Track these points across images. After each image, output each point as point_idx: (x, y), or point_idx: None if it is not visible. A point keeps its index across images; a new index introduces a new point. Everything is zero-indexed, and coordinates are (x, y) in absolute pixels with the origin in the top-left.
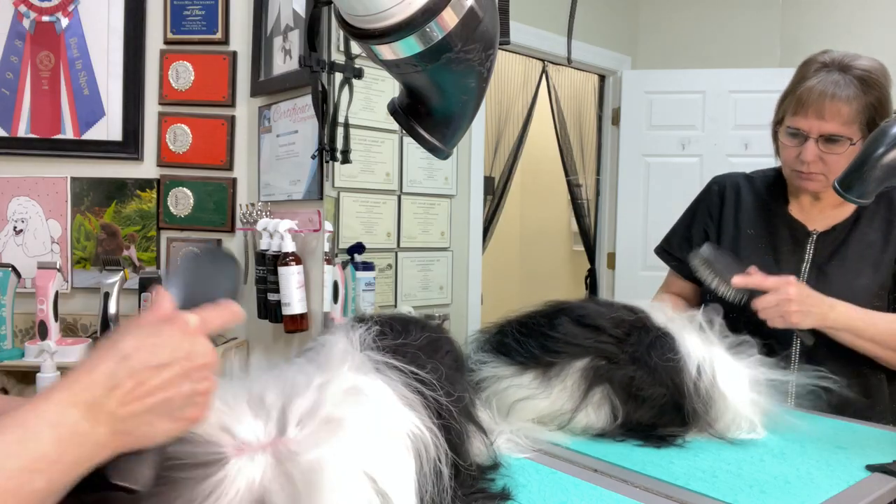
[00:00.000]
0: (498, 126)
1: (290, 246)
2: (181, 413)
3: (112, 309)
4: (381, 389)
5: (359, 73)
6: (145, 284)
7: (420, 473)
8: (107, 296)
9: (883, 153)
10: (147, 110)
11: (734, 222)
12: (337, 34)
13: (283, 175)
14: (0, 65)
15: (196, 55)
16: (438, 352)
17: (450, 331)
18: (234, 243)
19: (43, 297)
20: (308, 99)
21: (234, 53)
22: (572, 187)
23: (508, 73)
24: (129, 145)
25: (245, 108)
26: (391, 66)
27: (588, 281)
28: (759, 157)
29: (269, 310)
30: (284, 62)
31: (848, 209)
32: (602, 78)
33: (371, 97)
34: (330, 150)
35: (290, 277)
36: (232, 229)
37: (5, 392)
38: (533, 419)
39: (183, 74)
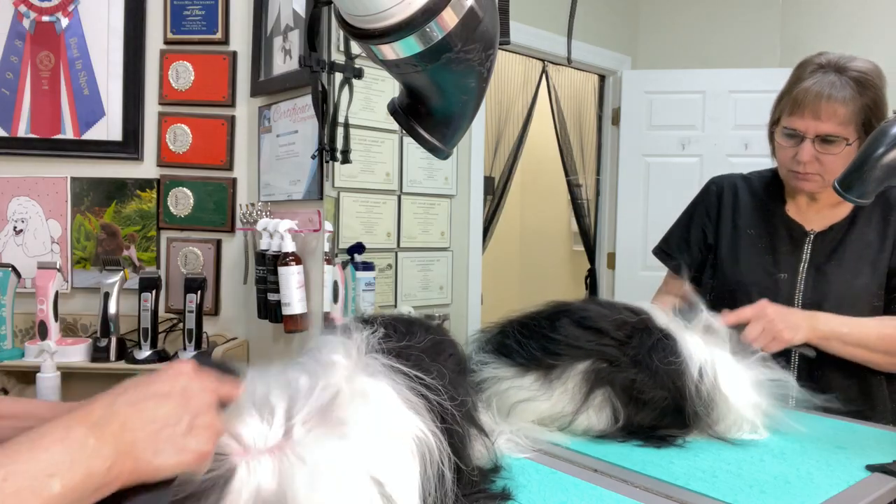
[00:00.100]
0: (498, 126)
1: (290, 246)
2: (185, 444)
3: (112, 309)
4: (386, 393)
5: (359, 73)
6: (145, 284)
7: (424, 477)
8: (107, 296)
9: (883, 153)
10: (147, 110)
11: (732, 223)
12: (337, 34)
13: (283, 175)
14: (0, 65)
15: (196, 55)
16: (442, 354)
17: (450, 331)
18: (234, 243)
19: (43, 297)
20: (308, 99)
21: (234, 53)
22: (572, 187)
23: (508, 73)
24: (129, 145)
25: (245, 108)
26: (391, 66)
27: (588, 281)
28: (759, 157)
29: (269, 310)
30: (284, 62)
31: (844, 209)
32: (602, 78)
33: (371, 97)
34: (330, 150)
35: (290, 277)
36: (232, 229)
37: (5, 392)
38: (533, 420)
39: (183, 74)
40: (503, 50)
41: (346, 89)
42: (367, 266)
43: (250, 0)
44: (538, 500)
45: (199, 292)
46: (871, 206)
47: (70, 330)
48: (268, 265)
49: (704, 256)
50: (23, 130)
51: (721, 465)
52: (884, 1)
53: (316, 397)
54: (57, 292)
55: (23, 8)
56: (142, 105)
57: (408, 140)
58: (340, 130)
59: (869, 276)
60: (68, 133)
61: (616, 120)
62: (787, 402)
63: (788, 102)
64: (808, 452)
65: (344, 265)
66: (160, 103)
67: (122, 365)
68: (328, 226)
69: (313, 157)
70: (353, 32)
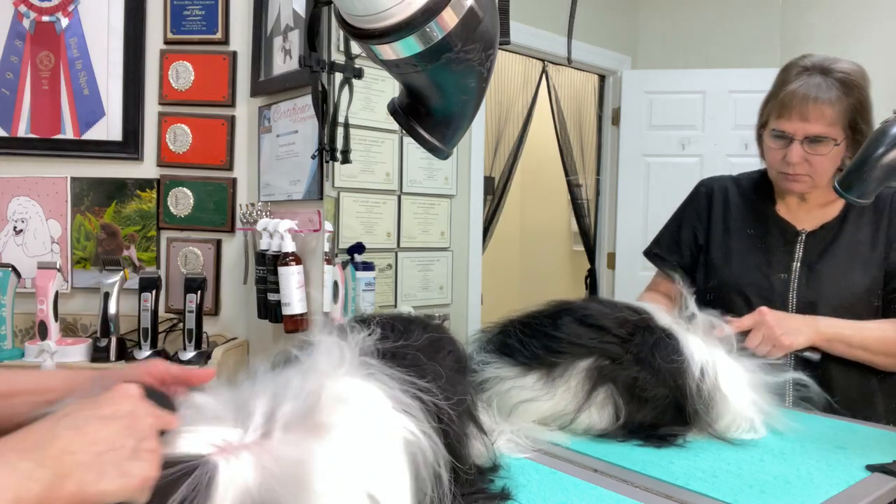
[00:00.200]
0: (498, 126)
1: (290, 246)
2: (130, 468)
3: (112, 309)
4: (374, 395)
5: (359, 73)
6: (145, 284)
7: (418, 478)
8: (107, 296)
9: (883, 153)
10: (147, 110)
11: (723, 223)
12: (337, 34)
13: (283, 175)
14: (0, 65)
15: (196, 55)
16: (440, 352)
17: (451, 330)
18: (234, 243)
19: (43, 297)
20: (308, 99)
21: (234, 53)
22: (572, 187)
23: (508, 73)
24: (129, 145)
25: (245, 108)
26: (391, 66)
27: (588, 281)
28: (759, 157)
29: (269, 310)
30: (284, 62)
31: (835, 209)
32: (602, 78)
33: (371, 97)
34: (330, 150)
35: (290, 277)
36: (232, 229)
37: None
38: (536, 420)
39: (183, 74)
40: (503, 50)
41: (346, 89)
42: (367, 266)
43: (250, 0)
44: (538, 500)
45: (199, 292)
46: (861, 207)
47: (70, 330)
48: (268, 265)
49: (696, 257)
50: (23, 130)
51: (721, 465)
52: (883, 1)
53: (301, 401)
54: (57, 292)
55: (23, 8)
56: (142, 105)
57: (408, 140)
58: (340, 130)
59: (861, 275)
60: (68, 133)
61: (616, 120)
62: (785, 400)
63: (776, 105)
64: (808, 452)
65: (344, 265)
66: (160, 103)
67: (122, 365)
68: (328, 226)
69: (313, 157)
70: (353, 32)
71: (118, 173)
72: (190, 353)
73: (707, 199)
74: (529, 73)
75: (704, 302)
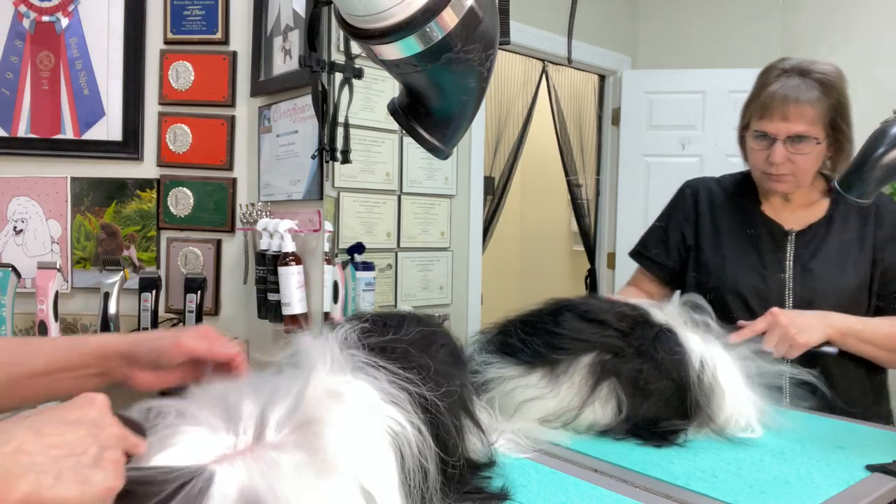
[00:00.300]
0: (498, 126)
1: (290, 246)
2: (91, 476)
3: (112, 309)
4: (360, 388)
5: (359, 73)
6: (145, 284)
7: (404, 469)
8: (107, 296)
9: (883, 153)
10: (147, 110)
11: (712, 224)
12: (337, 34)
13: (283, 175)
14: (0, 65)
15: (196, 55)
16: (432, 346)
17: (449, 328)
18: (234, 243)
19: (43, 297)
20: (308, 99)
21: (234, 53)
22: (572, 187)
23: (508, 73)
24: (129, 145)
25: (245, 108)
26: (391, 66)
27: (588, 281)
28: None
29: (269, 310)
30: (284, 62)
31: (819, 210)
32: (602, 78)
33: (371, 97)
34: (330, 150)
35: (290, 277)
36: (232, 229)
37: None
38: (540, 418)
39: (183, 74)
40: (503, 50)
41: (346, 89)
42: (367, 266)
43: (250, 0)
44: (538, 500)
45: (199, 292)
46: (845, 208)
47: (70, 330)
48: (268, 265)
49: (684, 259)
50: (23, 130)
51: (721, 465)
52: (883, 1)
53: (289, 400)
54: (57, 292)
55: (23, 8)
56: (142, 105)
57: (408, 140)
58: (340, 130)
59: (853, 274)
60: (68, 133)
61: (616, 120)
62: (782, 395)
63: (757, 107)
64: (808, 452)
65: (344, 265)
66: (160, 103)
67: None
68: (328, 226)
69: (313, 157)
70: (353, 32)
71: (118, 173)
72: None
73: (693, 200)
74: (529, 73)
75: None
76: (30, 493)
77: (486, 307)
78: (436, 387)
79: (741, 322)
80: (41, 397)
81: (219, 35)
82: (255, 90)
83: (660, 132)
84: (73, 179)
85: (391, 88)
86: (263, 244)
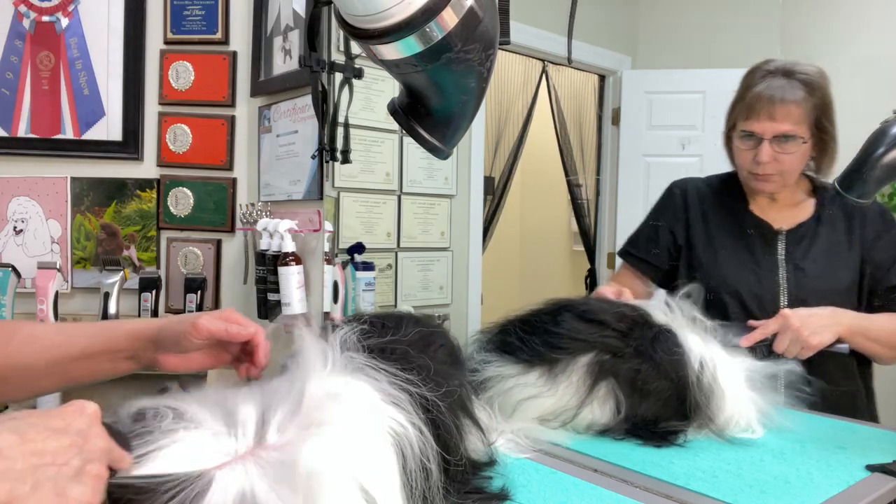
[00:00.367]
0: (498, 126)
1: (290, 246)
2: (66, 488)
3: (112, 309)
4: (361, 389)
5: (359, 73)
6: (145, 284)
7: (406, 470)
8: (107, 296)
9: (883, 153)
10: (147, 110)
11: (703, 223)
12: (337, 34)
13: (283, 175)
14: (0, 65)
15: (196, 55)
16: (431, 346)
17: (450, 329)
18: (234, 243)
19: (43, 297)
20: (308, 99)
21: (234, 53)
22: (572, 187)
23: (508, 73)
24: (129, 145)
25: (245, 108)
26: (391, 66)
27: (588, 281)
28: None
29: (269, 310)
30: (284, 62)
31: (806, 210)
32: (602, 78)
33: (371, 97)
34: (330, 150)
35: (290, 277)
36: (232, 229)
37: None
38: (538, 417)
39: (183, 74)
40: (503, 50)
41: (346, 89)
42: (367, 266)
43: (250, 0)
44: (538, 500)
45: (199, 292)
46: (832, 208)
47: None
48: (268, 265)
49: (674, 259)
50: (23, 130)
51: (721, 465)
52: (883, 1)
53: (289, 402)
54: (57, 292)
55: (23, 8)
56: (142, 105)
57: (408, 140)
58: (340, 130)
59: (844, 273)
60: (68, 133)
61: (616, 120)
62: (776, 389)
63: (743, 108)
64: (808, 452)
65: (344, 265)
66: (160, 103)
67: None
68: (328, 226)
69: (313, 157)
70: (353, 32)
71: (118, 173)
72: None
73: (683, 200)
74: (529, 73)
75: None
76: (3, 501)
77: (486, 307)
78: (436, 387)
79: (752, 322)
80: (82, 379)
81: (219, 35)
82: (255, 90)
83: (660, 132)
84: (73, 179)
85: (391, 88)
86: (263, 244)
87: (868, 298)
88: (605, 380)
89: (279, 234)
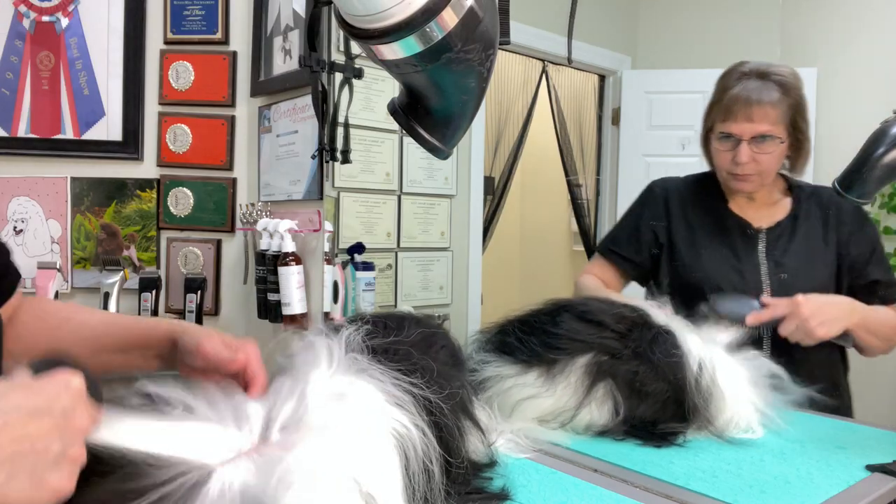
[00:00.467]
0: (498, 126)
1: (290, 246)
2: (45, 475)
3: (112, 309)
4: (364, 390)
5: (359, 73)
6: (145, 284)
7: (408, 472)
8: (107, 296)
9: (883, 153)
10: (147, 110)
11: (685, 222)
12: (337, 34)
13: (283, 175)
14: (0, 65)
15: (196, 55)
16: (433, 347)
17: (450, 330)
18: (234, 243)
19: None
20: (308, 99)
21: (234, 53)
22: (572, 187)
23: (508, 73)
24: (129, 145)
25: (245, 108)
26: (391, 66)
27: None
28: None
29: (269, 310)
30: (284, 62)
31: (783, 209)
32: (602, 78)
33: (371, 97)
34: (330, 150)
35: (290, 277)
36: (232, 229)
37: None
38: (536, 418)
39: (183, 74)
40: (503, 50)
41: (346, 89)
42: (367, 266)
43: (250, 0)
44: (538, 500)
45: (199, 292)
46: (807, 206)
47: None
48: (268, 265)
49: (655, 257)
50: (23, 130)
51: (721, 465)
52: (883, 1)
53: (293, 401)
54: (57, 292)
55: (23, 8)
56: (142, 105)
57: (408, 140)
58: (340, 130)
59: (823, 270)
60: (68, 133)
61: (616, 120)
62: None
63: (720, 110)
64: (808, 452)
65: (344, 265)
66: (160, 103)
67: None
68: (328, 226)
69: (313, 157)
70: (353, 32)
71: (118, 173)
72: None
73: (664, 198)
74: (529, 73)
75: (675, 297)
76: None
77: (486, 307)
78: (438, 389)
79: (765, 299)
80: (115, 369)
81: (219, 35)
82: (255, 90)
83: (660, 132)
84: (73, 179)
85: (391, 88)
86: (263, 244)
87: (850, 293)
88: (603, 381)
89: (279, 234)
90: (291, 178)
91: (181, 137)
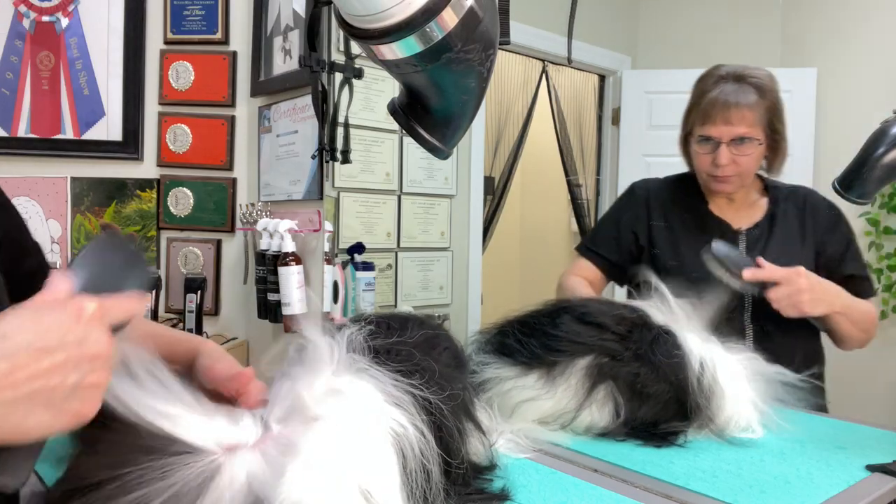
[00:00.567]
0: (498, 126)
1: (290, 246)
2: (65, 405)
3: None
4: (363, 389)
5: (359, 73)
6: None
7: (406, 471)
8: None
9: (883, 153)
10: (147, 110)
11: (665, 223)
12: (337, 34)
13: (283, 175)
14: (0, 65)
15: (196, 55)
16: (435, 348)
17: (450, 330)
18: (234, 243)
19: None
20: (308, 99)
21: (234, 53)
22: (572, 187)
23: (508, 73)
24: (129, 145)
25: (245, 108)
26: (391, 66)
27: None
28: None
29: (269, 310)
30: (284, 62)
31: (760, 209)
32: (602, 78)
33: (371, 97)
34: (330, 150)
35: (290, 277)
36: (232, 229)
37: None
38: (537, 419)
39: (183, 74)
40: (503, 50)
41: (346, 89)
42: (367, 266)
43: (250, 0)
44: (538, 500)
45: (199, 292)
46: (784, 206)
47: None
48: (268, 265)
49: (635, 258)
50: (23, 130)
51: (721, 465)
52: (883, 1)
53: (293, 398)
54: None
55: (23, 8)
56: (142, 105)
57: (408, 140)
58: (340, 130)
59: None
60: (68, 133)
61: (616, 120)
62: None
63: (699, 114)
64: (808, 452)
65: (344, 265)
66: (160, 103)
67: None
68: (328, 226)
69: (313, 157)
70: (353, 32)
71: (118, 173)
72: None
73: (645, 200)
74: (529, 73)
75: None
76: (4, 429)
77: (486, 307)
78: (440, 390)
79: (760, 260)
80: None
81: (219, 35)
82: (255, 90)
83: (660, 132)
84: (73, 179)
85: (391, 88)
86: (263, 244)
87: None
88: (603, 383)
89: (279, 234)
90: (291, 178)
91: (181, 137)
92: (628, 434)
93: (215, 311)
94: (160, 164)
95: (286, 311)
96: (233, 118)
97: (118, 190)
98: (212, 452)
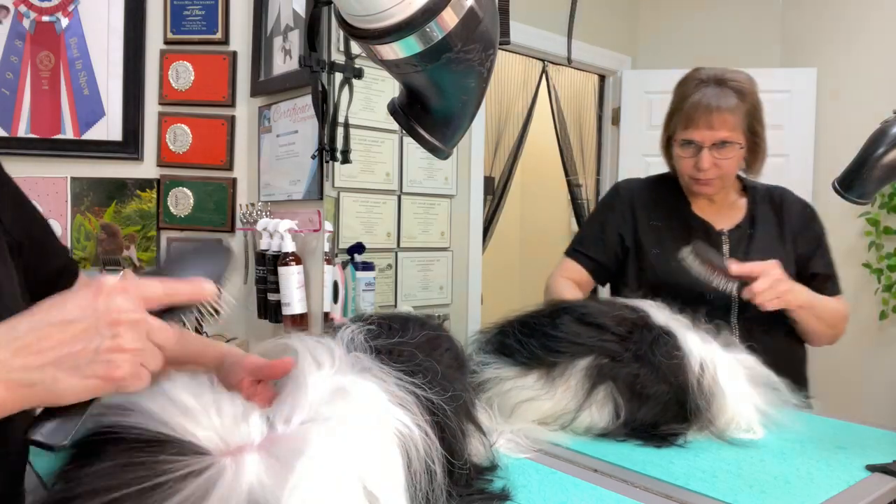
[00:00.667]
0: (498, 126)
1: (290, 246)
2: (90, 370)
3: None
4: (368, 388)
5: (359, 73)
6: None
7: (410, 471)
8: None
9: (883, 153)
10: (147, 110)
11: (650, 224)
12: (337, 34)
13: (283, 175)
14: (0, 65)
15: (196, 55)
16: (437, 349)
17: (449, 329)
18: (234, 243)
19: None
20: (308, 99)
21: (234, 53)
22: (572, 187)
23: (508, 73)
24: (129, 145)
25: (245, 108)
26: (391, 66)
27: None
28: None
29: (269, 310)
30: (284, 62)
31: (741, 210)
32: (602, 78)
33: (371, 97)
34: (330, 150)
35: (290, 277)
36: (232, 229)
37: None
38: (536, 420)
39: (183, 74)
40: (503, 50)
41: (346, 89)
42: (367, 266)
43: (250, 0)
44: (538, 500)
45: None
46: (764, 207)
47: None
48: (268, 265)
49: (621, 258)
50: (23, 130)
51: (721, 465)
52: (884, 1)
53: (297, 397)
54: None
55: (23, 8)
56: (142, 105)
57: (408, 140)
58: (340, 130)
59: (783, 266)
60: (68, 133)
61: (616, 120)
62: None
63: (681, 118)
64: (808, 452)
65: (344, 265)
66: (160, 103)
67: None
68: (328, 226)
69: (313, 157)
70: (353, 32)
71: (118, 173)
72: None
73: (629, 201)
74: (529, 73)
75: (643, 297)
76: (37, 393)
77: (486, 307)
78: (442, 391)
79: (732, 261)
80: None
81: (219, 35)
82: (255, 90)
83: (660, 132)
84: (73, 179)
85: (391, 88)
86: (263, 244)
87: None
88: (603, 383)
89: (279, 234)
90: (291, 178)
91: (181, 137)
92: (628, 435)
93: (215, 311)
94: (160, 164)
95: (286, 311)
96: (233, 118)
97: (118, 190)
98: (217, 454)
